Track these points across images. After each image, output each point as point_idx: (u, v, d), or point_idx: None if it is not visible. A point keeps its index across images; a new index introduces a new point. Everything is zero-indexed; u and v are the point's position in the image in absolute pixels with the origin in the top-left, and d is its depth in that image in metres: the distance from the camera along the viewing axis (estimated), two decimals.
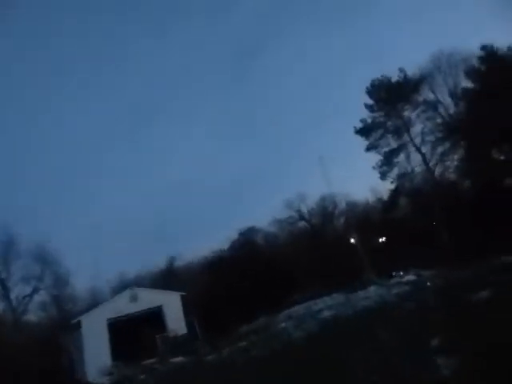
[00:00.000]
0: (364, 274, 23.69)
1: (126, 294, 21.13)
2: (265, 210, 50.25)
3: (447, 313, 9.61)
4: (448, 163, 31.20)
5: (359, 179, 49.94)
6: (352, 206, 39.85)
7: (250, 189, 50.15)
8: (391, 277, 22.25)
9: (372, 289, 19.30)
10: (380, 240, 29.69)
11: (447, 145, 31.15)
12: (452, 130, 32.02)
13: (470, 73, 32.39)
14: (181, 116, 63.22)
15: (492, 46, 31.75)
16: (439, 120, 31.99)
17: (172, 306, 21.05)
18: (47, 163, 55.52)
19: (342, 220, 41.47)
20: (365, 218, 35.54)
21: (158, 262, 37.85)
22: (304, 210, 41.48)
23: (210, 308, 26.04)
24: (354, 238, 31.47)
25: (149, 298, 20.67)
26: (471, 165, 31.94)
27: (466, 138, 32.02)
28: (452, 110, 31.70)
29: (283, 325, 17.20)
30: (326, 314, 15.87)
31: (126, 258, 41.18)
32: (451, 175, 31.33)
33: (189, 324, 21.13)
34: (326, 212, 42.10)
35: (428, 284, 16.58)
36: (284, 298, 27.16)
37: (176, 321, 20.62)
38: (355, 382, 6.28)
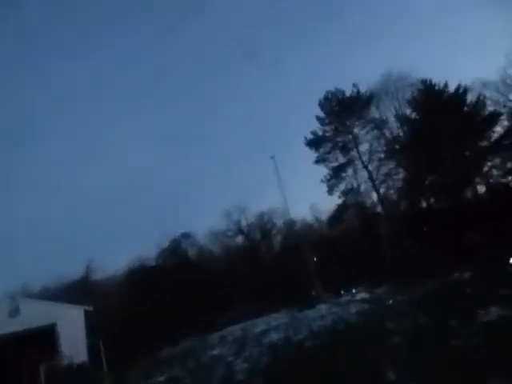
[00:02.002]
0: (310, 291, 20.49)
1: (4, 306, 15.04)
2: (203, 221, 45.74)
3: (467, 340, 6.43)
4: (390, 183, 30.37)
5: (304, 195, 47.43)
6: (291, 223, 37.41)
7: (189, 198, 45.26)
8: (339, 294, 19.34)
9: (323, 307, 16.01)
10: (325, 256, 27.03)
11: (391, 165, 30.45)
12: (394, 152, 31.65)
13: (411, 102, 32.79)
14: (116, 119, 56.39)
15: (431, 81, 32.35)
16: (384, 141, 31.48)
17: (70, 323, 15.38)
18: None
19: (282, 236, 38.76)
20: (308, 235, 33.03)
21: (72, 273, 30.88)
22: (243, 222, 38.10)
23: (126, 327, 20.57)
24: (297, 254, 28.51)
25: (37, 313, 14.76)
26: (409, 187, 32.02)
27: (405, 161, 32.01)
28: (396, 132, 31.40)
29: (216, 351, 12.91)
30: (274, 336, 12.02)
31: (36, 268, 33.37)
32: (393, 195, 30.43)
33: (92, 348, 15.61)
34: (265, 227, 39.07)
35: (390, 302, 13.74)
36: (217, 317, 22.76)
37: (74, 343, 15.02)
38: None
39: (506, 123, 29.61)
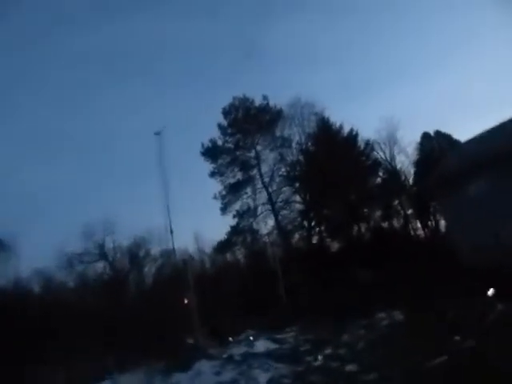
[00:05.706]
0: (186, 339, 13.52)
1: None
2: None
3: None
4: (287, 211, 26.93)
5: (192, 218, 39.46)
6: (170, 251, 29.92)
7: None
8: (228, 343, 13.03)
9: (206, 368, 9.44)
10: (209, 293, 20.45)
11: (289, 191, 27.36)
12: (294, 179, 29.10)
13: (311, 135, 31.93)
14: None
15: (328, 120, 32.22)
16: (283, 165, 28.71)
17: None
18: None
19: (156, 266, 30.55)
20: (189, 266, 26.05)
21: None
22: (109, 245, 28.84)
23: None
24: (174, 290, 21.16)
25: None
26: (303, 219, 29.90)
27: (301, 191, 30.03)
28: (296, 158, 29.09)
29: None
30: None
31: None
32: (289, 224, 26.87)
33: None
34: (137, 254, 30.37)
35: (319, 357, 8.24)
36: None
37: None
38: None
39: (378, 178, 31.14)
